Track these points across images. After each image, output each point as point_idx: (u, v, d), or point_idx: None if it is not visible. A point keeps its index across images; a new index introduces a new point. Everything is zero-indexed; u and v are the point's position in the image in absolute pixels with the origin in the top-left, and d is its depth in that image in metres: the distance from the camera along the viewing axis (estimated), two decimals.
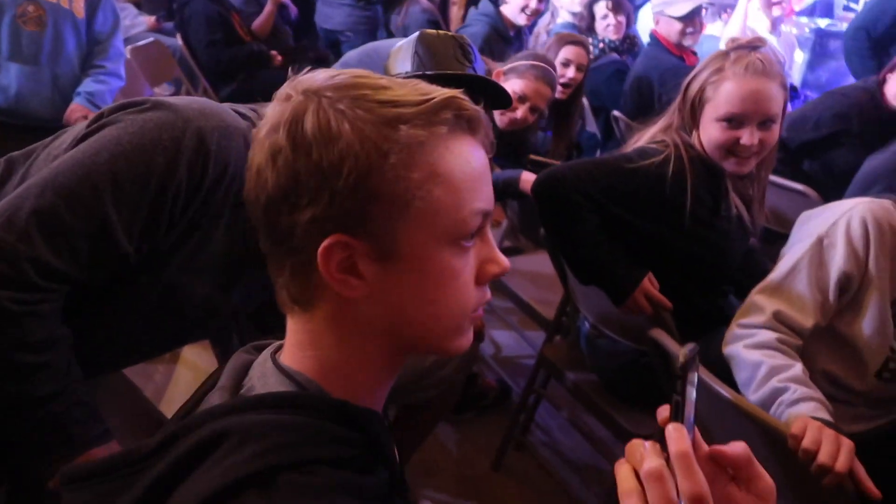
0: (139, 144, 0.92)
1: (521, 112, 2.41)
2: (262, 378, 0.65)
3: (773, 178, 1.90)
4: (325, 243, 0.59)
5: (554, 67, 2.52)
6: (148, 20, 4.33)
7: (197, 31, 3.61)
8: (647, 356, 1.59)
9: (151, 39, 3.59)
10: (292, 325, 0.66)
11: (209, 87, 3.67)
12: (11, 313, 0.88)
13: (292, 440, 0.58)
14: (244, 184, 1.00)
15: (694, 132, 1.59)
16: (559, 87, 2.70)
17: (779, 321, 1.35)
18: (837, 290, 1.35)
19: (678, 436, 0.55)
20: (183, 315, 1.09)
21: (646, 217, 1.57)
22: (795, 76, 4.36)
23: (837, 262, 1.34)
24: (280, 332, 0.72)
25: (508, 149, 2.59)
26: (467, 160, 0.62)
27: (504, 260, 0.67)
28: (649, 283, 1.60)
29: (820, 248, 1.36)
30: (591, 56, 3.26)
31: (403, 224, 0.60)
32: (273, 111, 0.62)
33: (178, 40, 3.68)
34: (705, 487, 0.53)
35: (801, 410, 1.20)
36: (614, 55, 3.65)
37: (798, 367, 1.28)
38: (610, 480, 0.60)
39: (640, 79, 3.23)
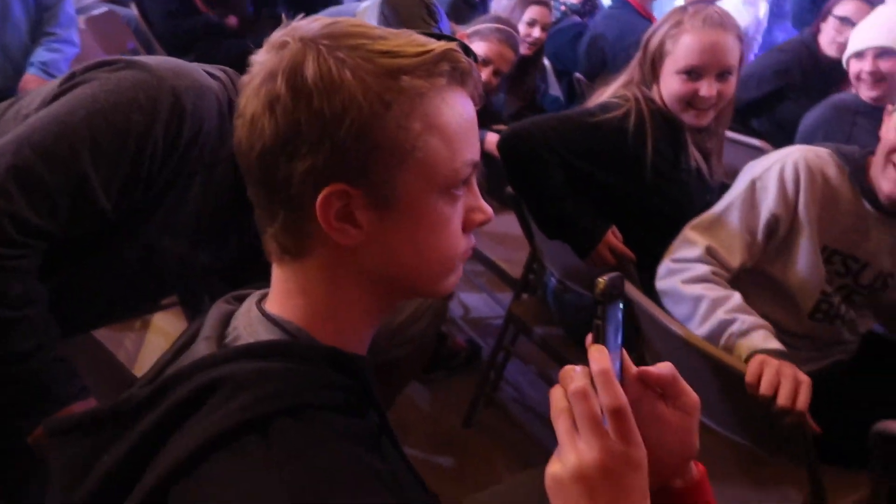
0: (116, 103, 0.92)
1: (484, 75, 2.41)
2: (249, 327, 0.66)
3: (729, 133, 1.96)
4: (324, 192, 0.60)
5: (517, 30, 2.53)
6: None
7: (153, 0, 3.52)
8: None
9: (105, 9, 3.49)
10: (280, 275, 0.67)
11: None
12: None
13: (286, 387, 0.59)
14: (217, 142, 1.01)
15: (654, 86, 1.63)
16: (525, 46, 2.72)
17: (710, 256, 1.39)
18: (766, 231, 1.40)
19: (598, 356, 0.58)
20: (159, 273, 1.09)
21: (608, 170, 1.61)
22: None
23: (768, 203, 1.39)
24: (251, 288, 0.73)
25: None
26: (461, 112, 0.64)
27: (488, 209, 0.69)
28: (613, 236, 1.64)
29: (753, 191, 1.41)
30: (553, 19, 3.27)
31: (402, 173, 0.61)
32: (267, 59, 0.61)
33: (133, 10, 3.59)
34: (624, 401, 0.56)
35: (753, 341, 1.24)
36: (576, 18, 3.66)
37: (738, 297, 1.33)
38: None
39: (597, 38, 3.25)
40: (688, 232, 1.45)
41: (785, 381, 1.15)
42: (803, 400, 1.15)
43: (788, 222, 1.40)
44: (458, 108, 0.64)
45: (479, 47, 2.39)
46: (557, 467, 0.57)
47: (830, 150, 1.44)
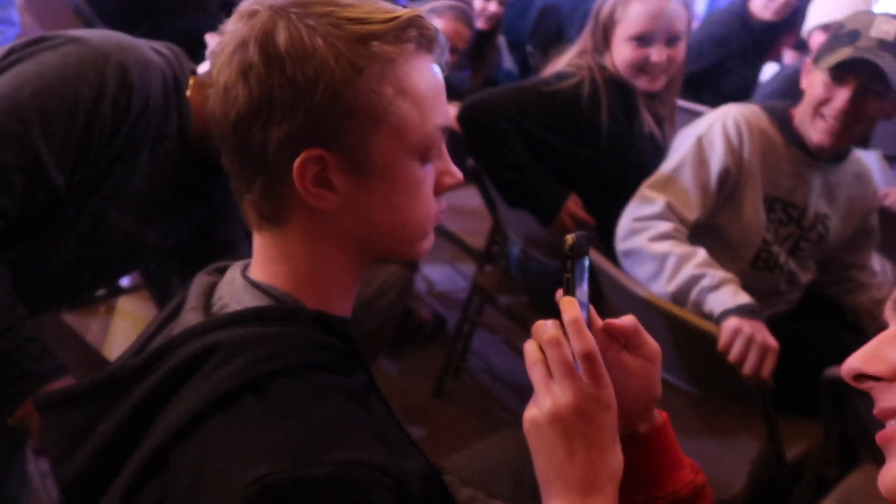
0: (63, 78, 0.92)
1: None
2: (235, 295, 0.67)
3: (680, 102, 2.02)
4: (300, 158, 0.61)
5: (471, 6, 2.54)
6: None
7: None
8: None
9: None
10: (261, 242, 0.68)
11: None
12: None
13: (279, 349, 0.61)
14: (163, 117, 1.02)
15: (607, 54, 1.67)
16: (482, 20, 2.73)
17: (670, 210, 1.45)
18: (718, 184, 1.47)
19: (569, 306, 0.61)
20: (106, 250, 1.09)
21: (566, 137, 1.65)
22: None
23: (717, 157, 1.46)
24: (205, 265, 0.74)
25: None
26: (430, 77, 0.65)
27: (458, 172, 0.71)
28: (573, 204, 1.68)
29: (700, 147, 1.47)
30: None
31: (375, 138, 0.63)
32: (238, 28, 0.62)
33: None
34: (594, 346, 0.60)
35: (723, 298, 1.29)
36: None
37: (703, 252, 1.38)
38: None
39: (549, 8, 3.27)
40: (644, 190, 1.49)
41: (754, 351, 1.21)
42: (768, 368, 1.21)
43: (737, 173, 1.47)
44: (426, 74, 0.65)
45: (434, 25, 2.39)
46: (534, 412, 0.61)
47: (759, 106, 1.52)
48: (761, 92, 2.57)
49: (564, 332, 0.61)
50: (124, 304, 1.77)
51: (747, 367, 1.21)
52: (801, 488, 1.39)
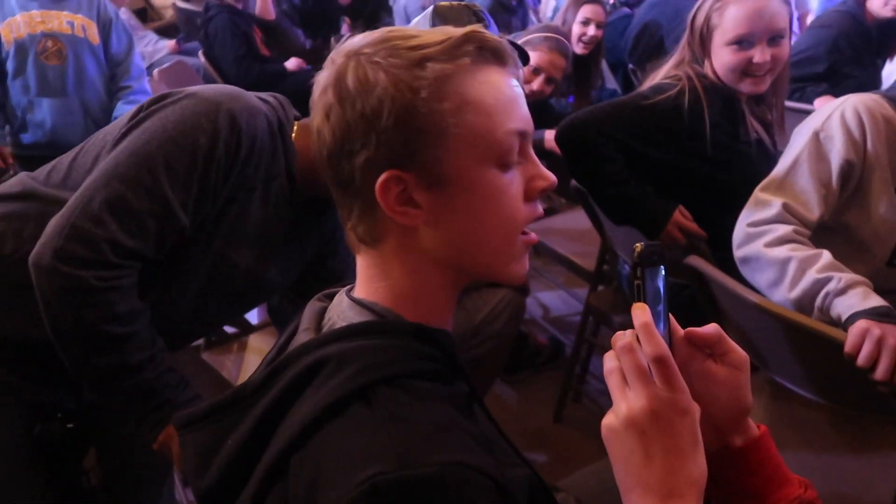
0: (182, 130, 1.03)
1: (536, 84, 2.47)
2: (342, 314, 0.72)
3: (789, 102, 1.93)
4: (380, 180, 0.66)
5: (567, 38, 2.56)
6: (169, 44, 4.49)
7: (223, 46, 3.71)
8: (688, 288, 1.63)
9: (176, 60, 3.73)
10: (362, 262, 0.73)
11: None
12: (97, 289, 1.00)
13: (383, 359, 0.65)
14: (270, 158, 1.11)
15: (706, 62, 1.63)
16: (581, 45, 2.75)
17: (788, 212, 1.36)
18: (840, 179, 1.37)
19: (640, 312, 0.62)
20: (230, 287, 1.20)
21: (668, 150, 1.61)
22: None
23: (838, 150, 1.36)
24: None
25: (532, 117, 2.64)
26: (495, 86, 0.68)
27: (549, 174, 0.72)
28: (681, 215, 1.64)
29: (817, 142, 1.38)
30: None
31: (445, 152, 0.66)
32: (322, 76, 0.70)
33: (201, 58, 3.81)
34: (665, 350, 0.60)
35: (852, 301, 1.21)
36: (625, 9, 3.67)
37: (827, 254, 1.29)
38: None
39: (648, 24, 3.25)
40: (759, 194, 1.42)
41: (886, 354, 1.13)
42: None
43: (861, 166, 1.37)
44: (491, 84, 0.68)
45: (530, 57, 2.44)
46: (611, 418, 0.61)
47: (880, 94, 1.42)
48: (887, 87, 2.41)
49: (639, 340, 0.61)
50: (254, 340, 1.91)
51: (879, 372, 1.13)
52: None
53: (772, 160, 1.72)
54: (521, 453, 0.76)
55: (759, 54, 1.54)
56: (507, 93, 0.69)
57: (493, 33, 1.61)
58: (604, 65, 3.33)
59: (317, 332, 0.73)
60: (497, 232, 0.70)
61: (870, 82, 2.70)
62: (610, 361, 0.63)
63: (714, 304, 1.50)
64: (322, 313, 0.76)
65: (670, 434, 0.59)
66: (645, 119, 1.60)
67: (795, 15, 3.59)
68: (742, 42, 1.55)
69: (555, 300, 2.88)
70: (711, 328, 0.67)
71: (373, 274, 0.72)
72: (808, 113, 2.35)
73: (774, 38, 1.55)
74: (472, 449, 0.62)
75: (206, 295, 1.17)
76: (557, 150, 1.89)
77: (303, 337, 0.73)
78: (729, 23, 1.55)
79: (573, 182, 1.87)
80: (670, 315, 0.66)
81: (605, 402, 2.30)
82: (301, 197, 1.19)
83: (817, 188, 1.37)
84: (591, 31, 2.85)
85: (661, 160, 1.63)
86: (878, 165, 1.37)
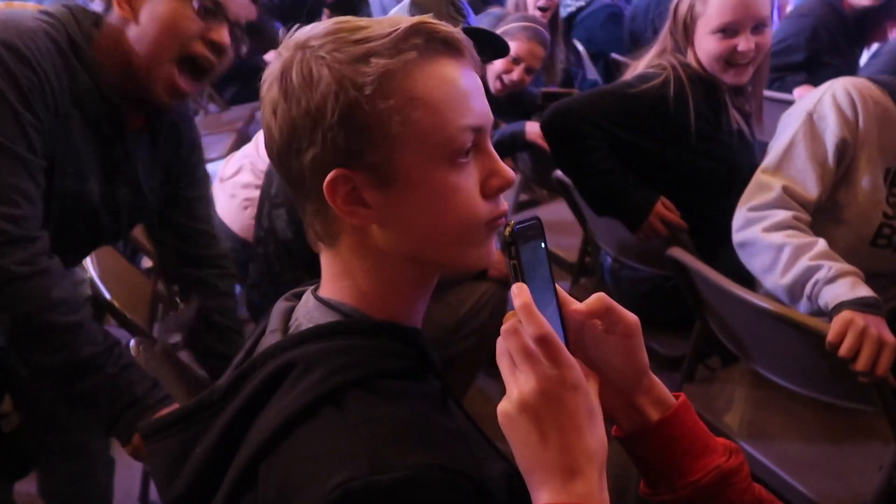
0: None
1: (516, 74, 2.45)
2: (308, 314, 0.70)
3: (767, 92, 1.93)
4: (327, 179, 0.63)
5: (545, 27, 2.56)
6: None
7: None
8: (670, 279, 1.63)
9: None
10: (324, 260, 0.71)
11: (213, 91, 3.81)
12: (22, 275, 0.97)
13: (351, 360, 0.63)
14: (70, 79, 1.06)
15: (689, 51, 1.62)
16: (537, 11, 2.76)
17: (787, 195, 1.36)
18: (836, 157, 1.37)
19: (519, 292, 0.59)
20: (94, 217, 1.17)
21: (652, 139, 1.61)
22: None
23: (832, 130, 1.36)
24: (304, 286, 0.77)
25: (511, 106, 2.62)
26: (445, 80, 0.64)
27: (507, 171, 0.69)
28: (662, 206, 1.64)
29: (811, 123, 1.38)
30: (584, 2, 3.28)
31: (392, 150, 0.63)
32: (269, 70, 0.67)
33: None
34: (546, 328, 0.57)
35: (840, 291, 1.21)
36: None
37: (822, 243, 1.29)
38: None
39: (635, 19, 3.24)
40: (760, 176, 1.42)
41: (867, 345, 1.13)
42: (884, 365, 1.13)
43: (854, 143, 1.37)
44: (440, 78, 0.64)
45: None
46: (504, 404, 0.59)
47: (866, 78, 1.42)
48: (865, 73, 2.42)
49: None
50: None
51: (860, 363, 1.12)
52: None
53: (751, 150, 1.73)
54: (498, 447, 0.74)
55: (744, 42, 1.54)
56: (459, 86, 0.65)
57: (471, 23, 1.57)
58: (585, 55, 3.32)
59: (284, 334, 0.71)
60: (453, 228, 0.67)
61: (848, 71, 2.71)
62: (499, 346, 0.61)
63: (696, 295, 1.50)
64: (289, 313, 0.74)
65: (563, 411, 0.57)
66: (630, 108, 1.59)
67: (776, 3, 3.61)
68: (727, 30, 1.55)
69: None
70: (596, 299, 0.64)
71: (335, 272, 0.70)
72: (787, 103, 2.36)
73: (758, 27, 1.55)
74: (447, 447, 0.60)
75: (71, 227, 1.13)
76: (539, 141, 1.88)
77: (270, 339, 0.71)
78: (713, 10, 1.55)
79: (555, 173, 1.86)
80: (558, 287, 0.63)
81: None
82: (129, 109, 1.13)
83: (815, 168, 1.37)
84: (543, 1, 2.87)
85: (644, 149, 1.62)
86: (868, 144, 1.37)
